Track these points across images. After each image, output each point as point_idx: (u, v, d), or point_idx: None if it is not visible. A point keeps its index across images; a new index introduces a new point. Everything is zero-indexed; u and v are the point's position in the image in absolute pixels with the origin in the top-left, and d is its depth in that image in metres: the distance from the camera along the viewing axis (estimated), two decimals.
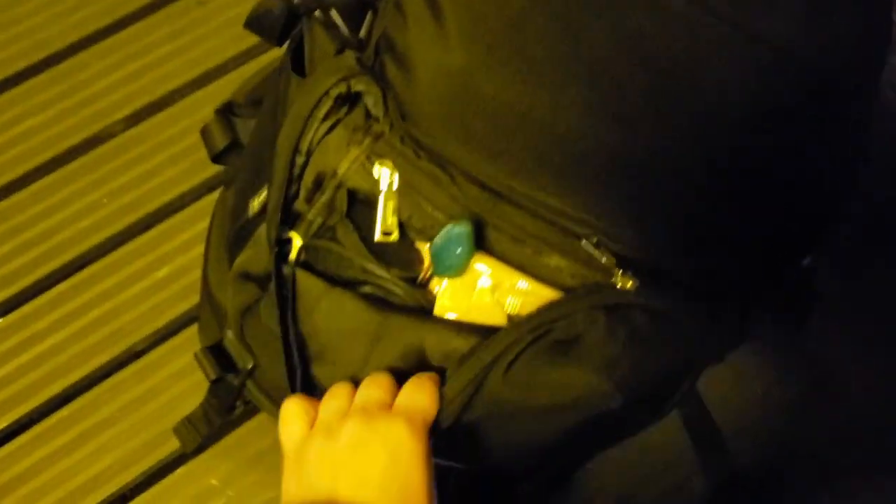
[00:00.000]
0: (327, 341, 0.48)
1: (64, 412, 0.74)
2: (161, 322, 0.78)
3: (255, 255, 0.53)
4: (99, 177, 0.82)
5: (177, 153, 0.84)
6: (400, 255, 0.48)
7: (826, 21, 0.43)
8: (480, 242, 0.46)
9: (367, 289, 0.49)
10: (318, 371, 0.49)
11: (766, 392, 0.80)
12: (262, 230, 0.52)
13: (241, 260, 0.54)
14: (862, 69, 0.45)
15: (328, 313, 0.48)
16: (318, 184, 0.48)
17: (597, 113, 0.43)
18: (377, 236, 0.47)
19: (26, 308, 0.78)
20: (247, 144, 0.66)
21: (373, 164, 0.47)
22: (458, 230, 0.45)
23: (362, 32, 0.48)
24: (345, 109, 0.47)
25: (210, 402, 0.68)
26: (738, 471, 0.77)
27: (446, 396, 0.45)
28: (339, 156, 0.47)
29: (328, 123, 0.47)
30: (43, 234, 0.80)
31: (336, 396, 0.45)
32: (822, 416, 0.80)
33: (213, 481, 0.73)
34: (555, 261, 0.46)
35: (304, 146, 0.47)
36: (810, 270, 0.52)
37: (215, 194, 0.82)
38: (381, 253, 0.48)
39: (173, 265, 0.80)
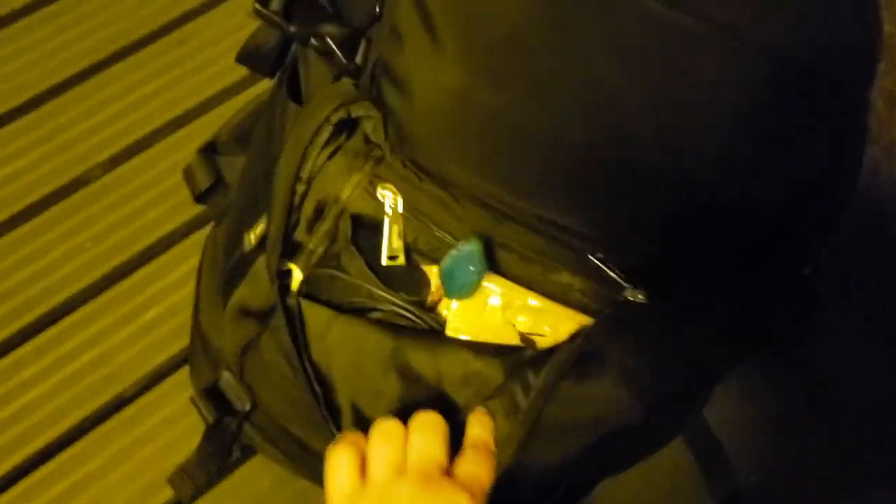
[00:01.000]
0: (343, 368, 0.47)
1: (52, 465, 0.72)
2: (150, 367, 0.76)
3: (255, 290, 0.52)
4: (81, 221, 0.81)
5: (159, 194, 0.83)
6: (406, 280, 0.47)
7: (817, 23, 0.43)
8: (490, 262, 0.45)
9: (375, 315, 0.48)
10: (337, 396, 0.47)
11: (766, 412, 0.80)
12: (261, 263, 0.51)
13: (239, 296, 0.53)
14: (853, 71, 0.45)
15: (340, 341, 0.47)
16: (319, 212, 0.48)
17: (597, 127, 0.42)
18: (384, 260, 0.46)
19: (10, 357, 0.75)
20: (238, 179, 0.65)
21: (375, 189, 0.46)
22: (470, 248, 0.44)
23: (358, 59, 0.48)
24: (344, 136, 0.47)
25: (206, 449, 0.66)
26: (742, 490, 0.76)
27: (501, 463, 0.44)
28: (340, 182, 0.47)
29: (329, 150, 0.46)
30: (26, 281, 0.78)
31: (387, 443, 0.42)
32: (822, 434, 0.80)
33: None
34: (565, 278, 0.46)
35: (304, 174, 0.47)
36: (812, 278, 0.52)
37: (200, 234, 0.81)
38: (386, 278, 0.47)
39: (160, 307, 0.78)
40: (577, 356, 0.44)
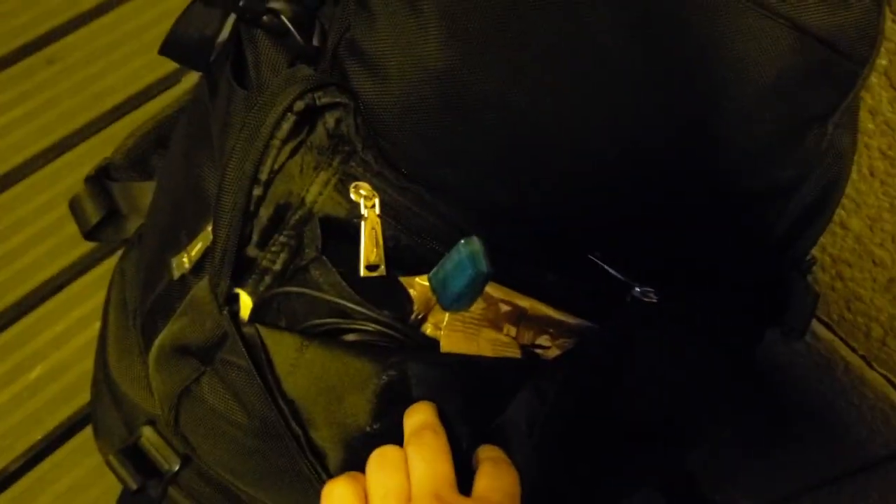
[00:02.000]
0: (319, 402, 0.39)
1: None
2: (39, 433, 0.66)
3: (194, 322, 0.43)
4: None
5: (39, 231, 0.73)
6: (384, 294, 0.41)
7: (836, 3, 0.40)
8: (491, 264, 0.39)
9: (350, 337, 0.41)
10: (317, 435, 0.39)
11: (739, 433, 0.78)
12: (199, 290, 0.43)
13: (171, 332, 0.45)
14: (866, 56, 0.43)
15: (312, 372, 0.39)
16: (277, 220, 0.41)
17: (604, 111, 0.38)
18: (361, 271, 0.40)
19: None
20: (151, 202, 0.56)
21: (348, 189, 0.40)
22: (470, 249, 0.38)
23: (315, 42, 0.42)
24: (307, 129, 0.40)
25: None
26: None
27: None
28: (305, 182, 0.40)
29: (290, 146, 0.39)
30: None
31: (388, 471, 0.36)
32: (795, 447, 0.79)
33: None
34: (564, 279, 0.42)
35: (263, 175, 0.39)
36: (806, 273, 0.50)
37: (95, 273, 0.71)
38: (362, 293, 0.40)
39: (49, 363, 0.68)
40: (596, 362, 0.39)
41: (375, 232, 0.40)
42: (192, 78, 0.79)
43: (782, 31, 0.37)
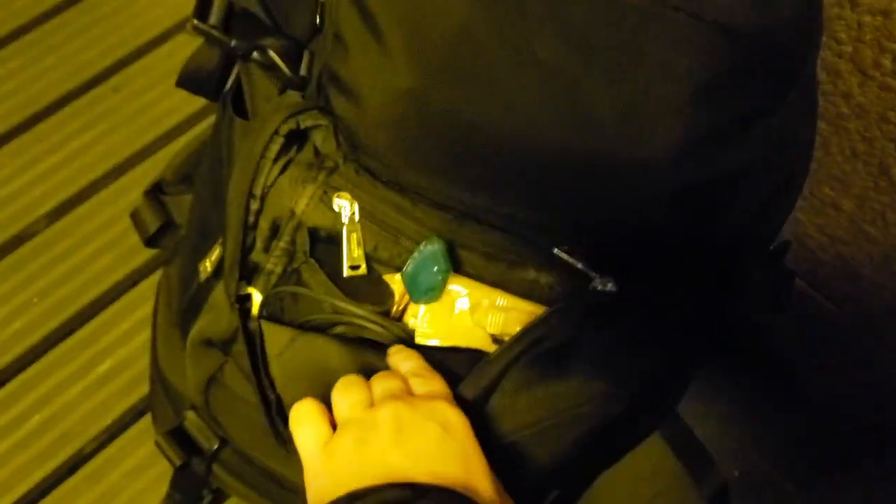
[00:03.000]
0: (306, 389, 0.45)
1: None
2: (108, 419, 0.74)
3: (215, 319, 0.50)
4: (26, 276, 0.78)
5: (106, 243, 0.81)
6: (369, 290, 0.46)
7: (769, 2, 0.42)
8: (453, 263, 0.44)
9: (339, 329, 0.46)
10: None
11: (735, 405, 0.81)
12: (218, 291, 0.49)
13: (199, 328, 0.51)
14: (803, 51, 0.45)
15: (301, 360, 0.45)
16: (276, 229, 0.46)
17: (556, 116, 0.41)
18: (345, 271, 0.45)
19: None
20: (189, 211, 0.63)
21: (331, 199, 0.45)
22: (431, 248, 0.43)
23: (302, 71, 0.47)
24: (295, 148, 0.46)
25: (174, 497, 0.63)
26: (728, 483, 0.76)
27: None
28: (294, 195, 0.46)
29: (280, 164, 0.45)
30: None
31: (351, 390, 0.42)
32: (791, 422, 0.81)
33: None
34: (530, 273, 0.45)
35: (258, 190, 0.45)
36: (778, 253, 0.52)
37: (152, 279, 0.79)
38: (349, 290, 0.46)
39: (115, 358, 0.76)
40: (544, 345, 0.43)
41: (357, 236, 0.46)
42: None
43: (714, 34, 0.39)
